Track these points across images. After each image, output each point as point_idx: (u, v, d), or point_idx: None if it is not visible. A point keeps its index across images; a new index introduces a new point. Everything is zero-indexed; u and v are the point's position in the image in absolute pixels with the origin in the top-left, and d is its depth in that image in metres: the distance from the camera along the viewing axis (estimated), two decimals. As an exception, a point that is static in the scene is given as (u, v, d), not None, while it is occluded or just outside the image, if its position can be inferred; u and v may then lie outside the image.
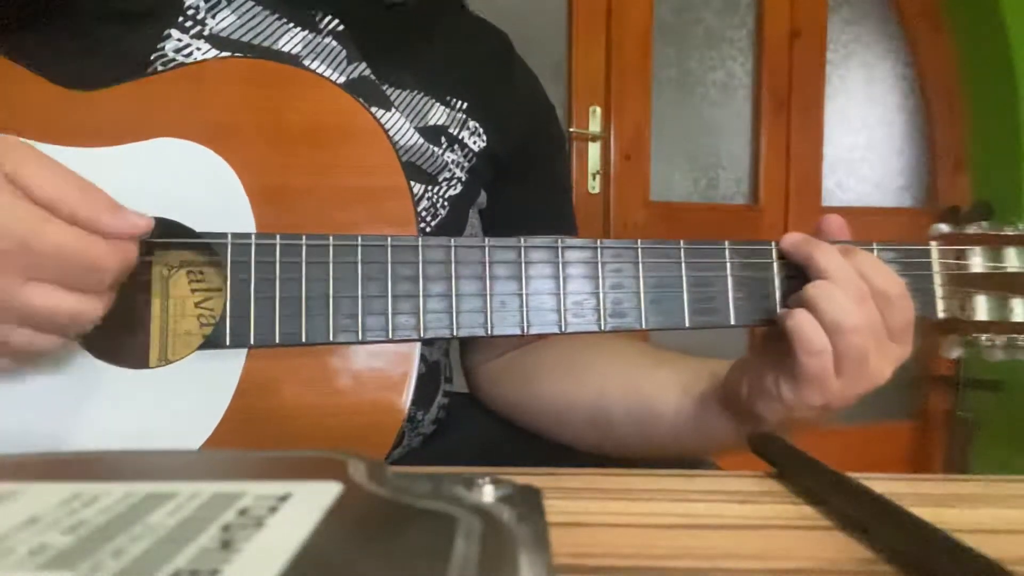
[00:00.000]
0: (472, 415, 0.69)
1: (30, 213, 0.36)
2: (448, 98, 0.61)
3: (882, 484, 0.31)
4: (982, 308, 0.51)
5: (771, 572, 0.26)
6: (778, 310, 0.49)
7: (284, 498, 0.22)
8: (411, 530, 0.20)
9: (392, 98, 0.57)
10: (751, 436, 0.42)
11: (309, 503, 0.21)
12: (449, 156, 0.60)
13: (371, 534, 0.20)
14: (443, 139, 0.60)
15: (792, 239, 0.49)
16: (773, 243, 0.50)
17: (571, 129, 1.78)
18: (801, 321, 0.45)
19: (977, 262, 0.52)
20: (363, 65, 0.56)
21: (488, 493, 0.23)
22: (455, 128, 0.61)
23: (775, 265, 0.50)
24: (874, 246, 0.51)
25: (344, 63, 0.55)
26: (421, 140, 0.57)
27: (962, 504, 0.34)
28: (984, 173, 1.97)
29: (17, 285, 0.36)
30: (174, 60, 0.50)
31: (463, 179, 0.62)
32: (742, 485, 0.36)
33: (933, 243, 0.52)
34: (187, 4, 0.51)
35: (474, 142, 0.62)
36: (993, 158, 1.94)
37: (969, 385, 1.85)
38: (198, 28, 0.51)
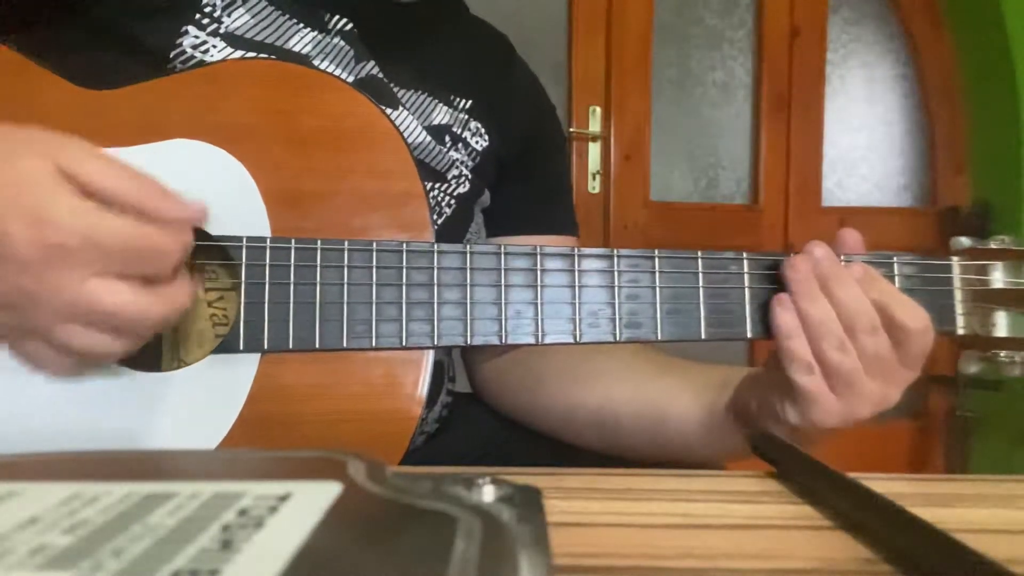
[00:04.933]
0: (475, 414, 0.69)
1: (88, 208, 0.36)
2: (451, 98, 0.62)
3: (882, 484, 0.31)
4: (1002, 324, 0.51)
5: (771, 572, 0.26)
6: None
7: (284, 498, 0.22)
8: (411, 530, 0.20)
9: (400, 97, 0.58)
10: (751, 436, 0.42)
11: (309, 503, 0.21)
12: (454, 155, 0.61)
13: (371, 534, 0.20)
14: (447, 138, 0.60)
15: (811, 259, 0.46)
16: (792, 255, 0.49)
17: (571, 129, 1.78)
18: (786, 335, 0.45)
19: (998, 277, 0.51)
20: (371, 64, 0.56)
21: (488, 493, 0.23)
22: (458, 128, 0.61)
23: None
24: (894, 259, 0.50)
25: (352, 62, 0.55)
26: (429, 138, 0.58)
27: (962, 504, 0.34)
28: (984, 173, 1.97)
29: (80, 281, 0.36)
30: (193, 57, 0.50)
31: (470, 177, 0.62)
32: (742, 485, 0.36)
33: (954, 258, 0.51)
34: (204, 1, 0.52)
35: (476, 142, 0.63)
36: (993, 158, 1.93)
37: (969, 385, 1.85)
38: (214, 26, 0.52)
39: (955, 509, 0.33)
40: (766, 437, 0.41)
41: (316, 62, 0.54)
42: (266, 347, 0.44)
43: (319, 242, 0.45)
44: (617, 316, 0.48)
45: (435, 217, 0.59)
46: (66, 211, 0.35)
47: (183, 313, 0.40)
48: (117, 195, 0.37)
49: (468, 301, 0.46)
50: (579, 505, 0.32)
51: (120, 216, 0.36)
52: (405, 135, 0.55)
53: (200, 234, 0.44)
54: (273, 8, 0.53)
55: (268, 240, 0.44)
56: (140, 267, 0.37)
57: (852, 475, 0.33)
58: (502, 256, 0.47)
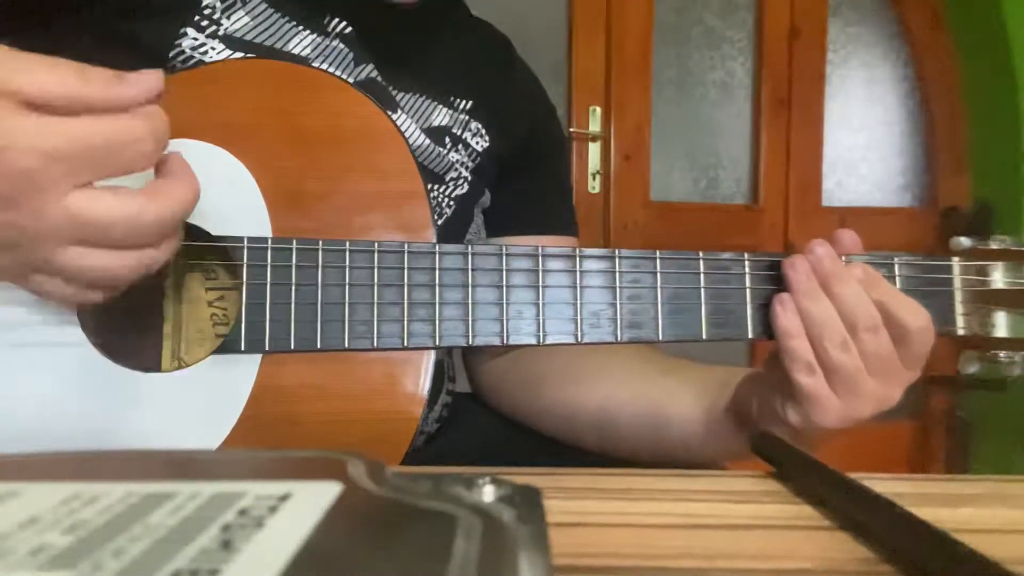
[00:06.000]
0: (475, 413, 0.69)
1: (35, 123, 0.33)
2: (451, 99, 0.61)
3: (882, 484, 0.31)
4: (1002, 324, 0.50)
5: (771, 572, 0.26)
6: None
7: (284, 498, 0.22)
8: (411, 530, 0.20)
9: (398, 100, 0.58)
10: (751, 436, 0.42)
11: (309, 503, 0.21)
12: (454, 156, 0.61)
13: (371, 534, 0.20)
14: (447, 140, 0.60)
15: (812, 258, 0.46)
16: (793, 254, 0.49)
17: (571, 129, 1.78)
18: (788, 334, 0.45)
19: (998, 277, 0.51)
20: (370, 67, 0.56)
21: (488, 493, 0.23)
22: (458, 129, 0.61)
23: None
24: (895, 260, 0.50)
25: (351, 65, 0.55)
26: (427, 141, 0.58)
27: (962, 504, 0.34)
28: (984, 173, 1.97)
29: (57, 199, 0.33)
30: (192, 58, 0.50)
31: (469, 179, 0.62)
32: (742, 485, 0.36)
33: (955, 258, 0.51)
34: (204, 3, 0.52)
35: (477, 142, 0.63)
36: (993, 158, 1.93)
37: (969, 385, 1.85)
38: (213, 28, 0.51)
39: (955, 509, 0.33)
40: (766, 437, 0.41)
41: (315, 65, 0.54)
42: (267, 347, 0.44)
43: (320, 242, 0.45)
44: (618, 316, 0.47)
45: (435, 218, 0.59)
46: (14, 133, 0.33)
47: (188, 209, 0.38)
48: (62, 99, 0.34)
49: (469, 301, 0.46)
50: (579, 505, 0.32)
51: (72, 119, 0.34)
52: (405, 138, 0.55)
53: (201, 234, 0.44)
54: (272, 10, 0.53)
55: (269, 240, 0.44)
56: (113, 163, 0.35)
57: (852, 475, 0.33)
58: (503, 256, 0.47)
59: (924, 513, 0.27)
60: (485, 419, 0.68)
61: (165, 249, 0.38)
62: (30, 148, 0.33)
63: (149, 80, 0.36)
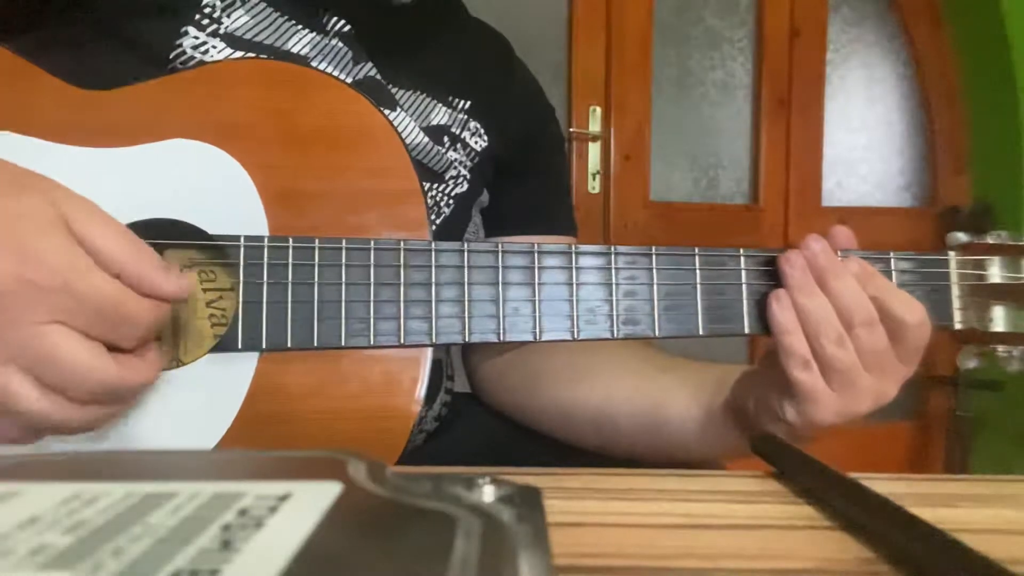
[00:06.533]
0: (475, 413, 0.69)
1: (80, 257, 0.35)
2: (450, 98, 0.62)
3: (882, 484, 0.31)
4: (999, 318, 0.50)
5: (771, 572, 0.26)
6: None
7: (284, 498, 0.22)
8: (411, 530, 0.20)
9: (398, 98, 0.58)
10: (751, 436, 0.42)
11: (309, 503, 0.21)
12: (452, 155, 0.61)
13: (371, 534, 0.20)
14: (446, 139, 0.60)
15: (808, 253, 0.46)
16: (789, 250, 0.49)
17: (571, 129, 1.78)
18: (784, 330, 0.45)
19: (995, 272, 0.51)
20: (369, 65, 0.56)
21: (488, 493, 0.23)
22: (457, 128, 0.61)
23: None
24: (891, 255, 0.50)
25: (350, 64, 0.55)
26: (426, 139, 0.58)
27: (962, 504, 0.34)
28: (984, 173, 1.97)
29: (39, 323, 0.35)
30: (193, 58, 0.50)
31: (468, 177, 0.62)
32: (742, 485, 0.36)
33: (951, 252, 0.51)
34: (204, 3, 0.52)
35: (475, 142, 0.63)
36: (993, 158, 1.93)
37: (969, 385, 1.85)
38: (214, 26, 0.52)
39: (955, 509, 0.33)
40: (766, 437, 0.41)
41: (314, 64, 0.54)
42: (264, 346, 0.44)
43: (317, 241, 0.45)
44: (615, 313, 0.48)
45: (433, 217, 0.59)
46: (54, 251, 0.35)
47: (137, 391, 0.40)
48: (113, 257, 0.36)
49: (466, 299, 0.46)
50: (579, 505, 0.32)
51: (104, 274, 0.36)
52: (402, 136, 0.55)
53: (198, 234, 0.44)
54: (272, 9, 0.54)
55: (266, 239, 0.44)
56: (104, 330, 0.36)
57: (852, 475, 0.33)
58: (499, 253, 0.47)
59: (924, 513, 0.27)
60: (485, 419, 0.68)
61: (98, 415, 0.39)
62: (56, 269, 0.35)
63: (184, 285, 0.39)
